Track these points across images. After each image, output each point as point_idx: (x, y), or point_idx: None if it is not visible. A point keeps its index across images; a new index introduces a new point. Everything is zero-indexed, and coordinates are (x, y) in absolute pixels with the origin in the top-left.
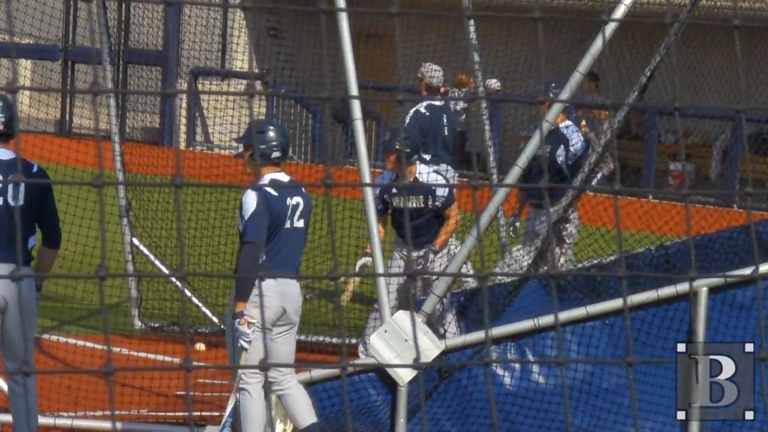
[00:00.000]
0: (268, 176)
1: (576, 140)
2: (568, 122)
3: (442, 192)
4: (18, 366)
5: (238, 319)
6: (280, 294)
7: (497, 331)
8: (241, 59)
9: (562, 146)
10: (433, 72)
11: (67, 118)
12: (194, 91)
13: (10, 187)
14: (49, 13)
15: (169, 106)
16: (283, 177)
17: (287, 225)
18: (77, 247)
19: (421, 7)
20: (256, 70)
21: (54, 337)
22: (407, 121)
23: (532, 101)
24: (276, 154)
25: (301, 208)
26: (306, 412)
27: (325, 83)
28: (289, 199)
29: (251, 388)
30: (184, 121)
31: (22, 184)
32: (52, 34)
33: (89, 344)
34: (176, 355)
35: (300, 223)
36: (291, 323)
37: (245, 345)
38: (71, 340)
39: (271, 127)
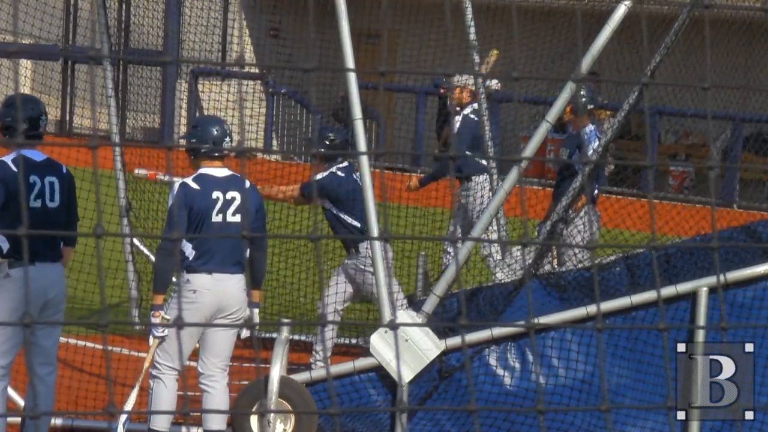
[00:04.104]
0: (200, 171)
1: (595, 144)
2: (591, 126)
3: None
4: (46, 362)
5: (152, 312)
6: (215, 290)
7: (497, 331)
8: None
9: (577, 150)
10: (469, 80)
11: (68, 118)
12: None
13: (47, 189)
14: (50, 13)
15: (169, 107)
16: (219, 172)
17: (216, 219)
18: (77, 246)
19: (420, 7)
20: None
21: None
22: (457, 126)
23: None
24: (205, 149)
25: (237, 203)
26: (216, 416)
27: (326, 83)
28: (217, 193)
29: (165, 378)
30: (183, 121)
31: (58, 186)
32: (53, 33)
33: (89, 344)
34: None
35: (236, 218)
36: (231, 317)
37: (155, 337)
38: (71, 340)
39: (206, 122)
